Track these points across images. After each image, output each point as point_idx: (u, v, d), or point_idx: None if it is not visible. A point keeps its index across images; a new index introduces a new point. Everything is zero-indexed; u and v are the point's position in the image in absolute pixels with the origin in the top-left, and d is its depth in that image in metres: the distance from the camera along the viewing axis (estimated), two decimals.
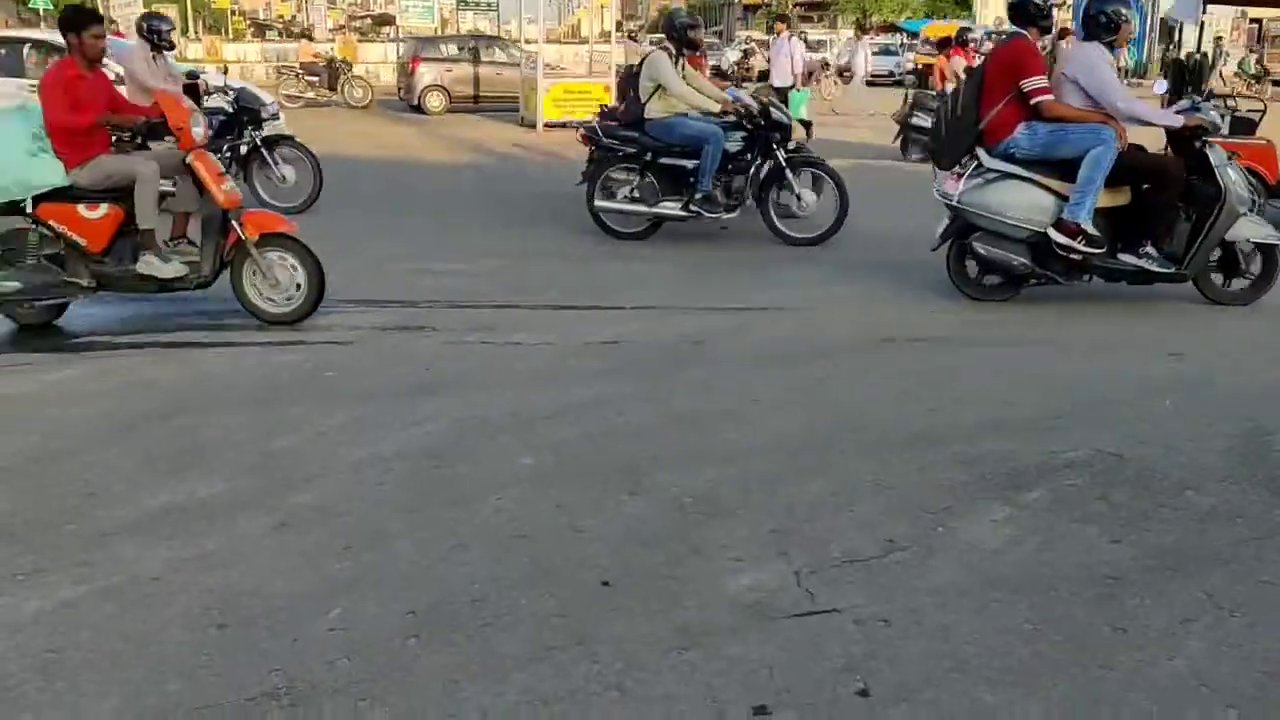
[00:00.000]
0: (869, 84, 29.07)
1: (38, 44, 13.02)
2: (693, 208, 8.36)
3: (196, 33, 48.44)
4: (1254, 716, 2.64)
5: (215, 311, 6.30)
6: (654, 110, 8.40)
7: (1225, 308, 6.68)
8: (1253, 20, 40.88)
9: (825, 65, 28.21)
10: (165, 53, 9.51)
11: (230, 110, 9.74)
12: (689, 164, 8.34)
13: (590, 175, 8.88)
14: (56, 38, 14.05)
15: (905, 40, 40.28)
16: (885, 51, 37.01)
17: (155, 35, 9.35)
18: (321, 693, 2.70)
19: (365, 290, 6.84)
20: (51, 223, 5.88)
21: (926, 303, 6.78)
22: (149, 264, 5.95)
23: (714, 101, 8.44)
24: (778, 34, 16.73)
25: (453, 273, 7.41)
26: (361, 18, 55.05)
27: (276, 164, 9.83)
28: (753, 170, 8.53)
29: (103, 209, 5.90)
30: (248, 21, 54.16)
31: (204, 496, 3.83)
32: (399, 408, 4.75)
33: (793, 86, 15.52)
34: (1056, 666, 2.84)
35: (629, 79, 9.09)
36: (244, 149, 9.80)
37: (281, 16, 55.84)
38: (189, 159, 5.99)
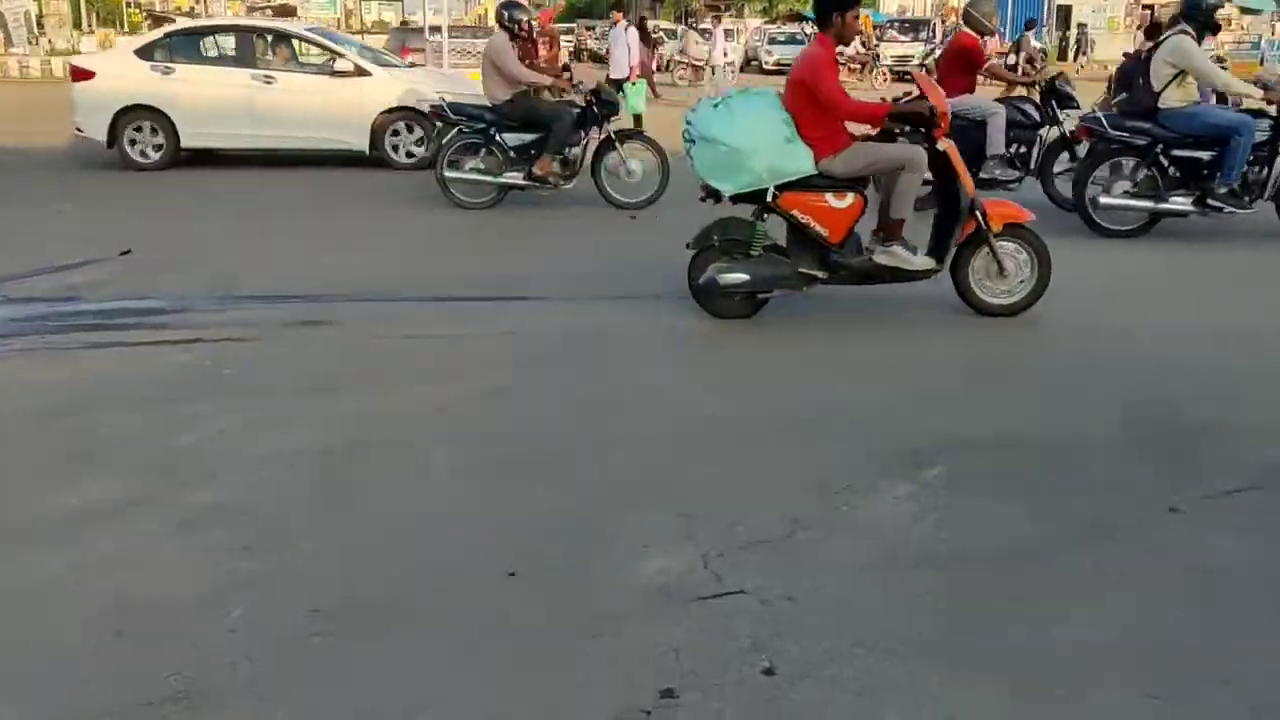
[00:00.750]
0: (765, 72, 29.31)
1: (263, 32, 12.83)
2: (1212, 202, 7.99)
3: (90, 25, 47.02)
4: (1145, 683, 2.72)
5: (107, 312, 6.12)
6: (1171, 99, 8.05)
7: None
8: (1145, 6, 42.09)
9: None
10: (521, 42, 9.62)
11: (582, 105, 9.53)
12: (1205, 155, 8.02)
13: (1080, 170, 8.51)
14: (285, 26, 13.79)
15: (810, 29, 40.72)
16: (792, 40, 37.36)
17: (515, 25, 9.43)
18: (223, 694, 2.65)
19: (264, 284, 6.71)
20: (794, 212, 5.75)
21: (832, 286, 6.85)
22: (894, 255, 5.80)
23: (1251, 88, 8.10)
24: (614, 23, 16.35)
25: (352, 265, 7.29)
26: (262, 8, 53.84)
27: (625, 160, 9.59)
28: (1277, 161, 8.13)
29: (849, 198, 5.73)
30: (144, 14, 52.63)
31: (100, 498, 3.73)
32: (300, 404, 4.67)
33: (628, 78, 15.26)
34: (956, 638, 2.91)
35: (1133, 66, 8.82)
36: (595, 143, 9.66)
37: (179, 8, 54.37)
38: (940, 145, 5.77)
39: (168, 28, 14.46)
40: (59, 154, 12.88)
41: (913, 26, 37.58)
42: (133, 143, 11.80)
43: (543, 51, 15.12)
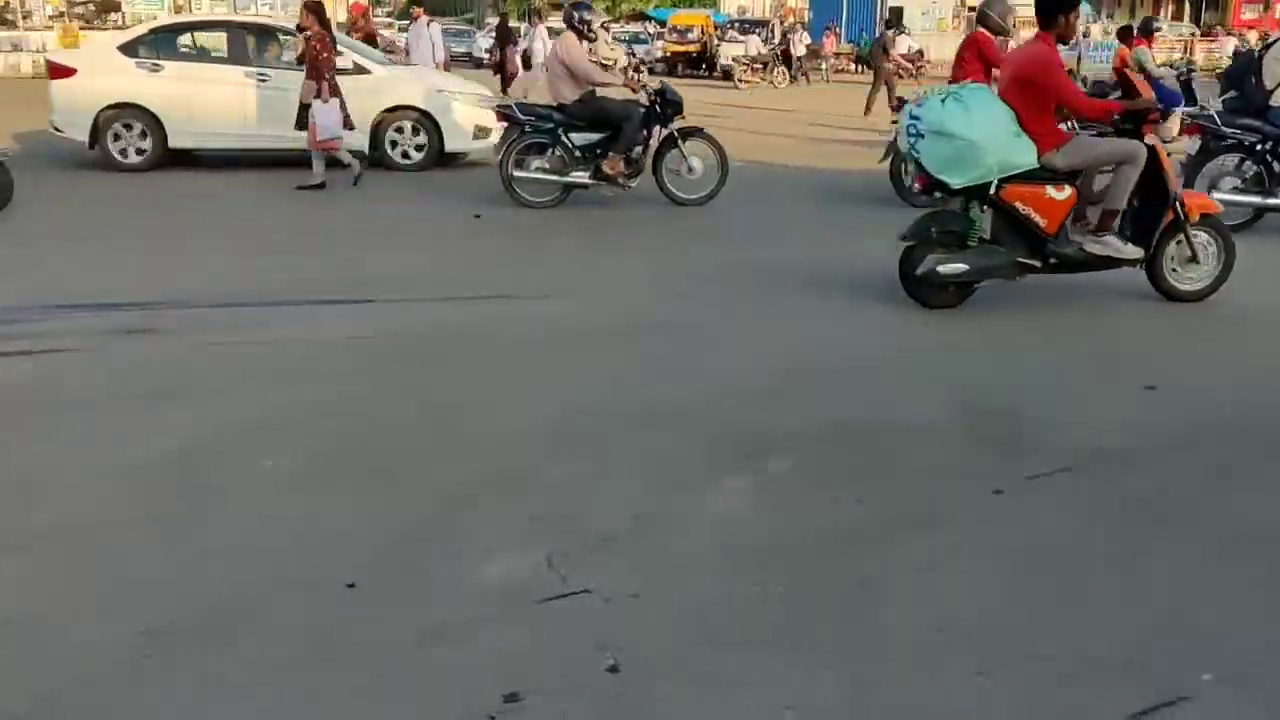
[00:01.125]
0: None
1: (255, 28, 12.34)
2: None
3: None
4: (980, 657, 2.83)
5: None
6: None
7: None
8: (970, 8, 43.80)
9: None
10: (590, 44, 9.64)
11: (646, 103, 9.50)
12: None
13: (1190, 166, 8.84)
14: (278, 22, 13.45)
15: (654, 29, 41.10)
16: (635, 40, 37.64)
17: (585, 26, 9.38)
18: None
19: (95, 292, 6.40)
20: (1017, 204, 5.97)
21: (679, 286, 6.93)
22: (1107, 244, 6.08)
23: None
24: (415, 19, 15.77)
25: (191, 271, 7.02)
26: (84, 2, 51.21)
27: (686, 157, 9.63)
28: None
29: (1066, 190, 5.99)
30: None
31: None
32: (133, 416, 4.46)
33: None
34: (802, 627, 2.97)
35: (1244, 65, 9.19)
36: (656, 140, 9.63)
37: None
38: (1149, 140, 6.06)
39: (153, 23, 13.71)
40: None
41: (752, 27, 38.29)
42: (117, 139, 11.29)
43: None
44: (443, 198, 9.87)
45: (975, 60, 9.65)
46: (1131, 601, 3.12)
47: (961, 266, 6.03)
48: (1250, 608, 3.09)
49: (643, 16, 50.22)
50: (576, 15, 9.49)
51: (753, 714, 2.59)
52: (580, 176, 9.46)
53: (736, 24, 39.20)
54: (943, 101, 5.94)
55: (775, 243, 8.28)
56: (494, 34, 24.00)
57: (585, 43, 9.58)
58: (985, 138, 5.86)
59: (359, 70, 11.59)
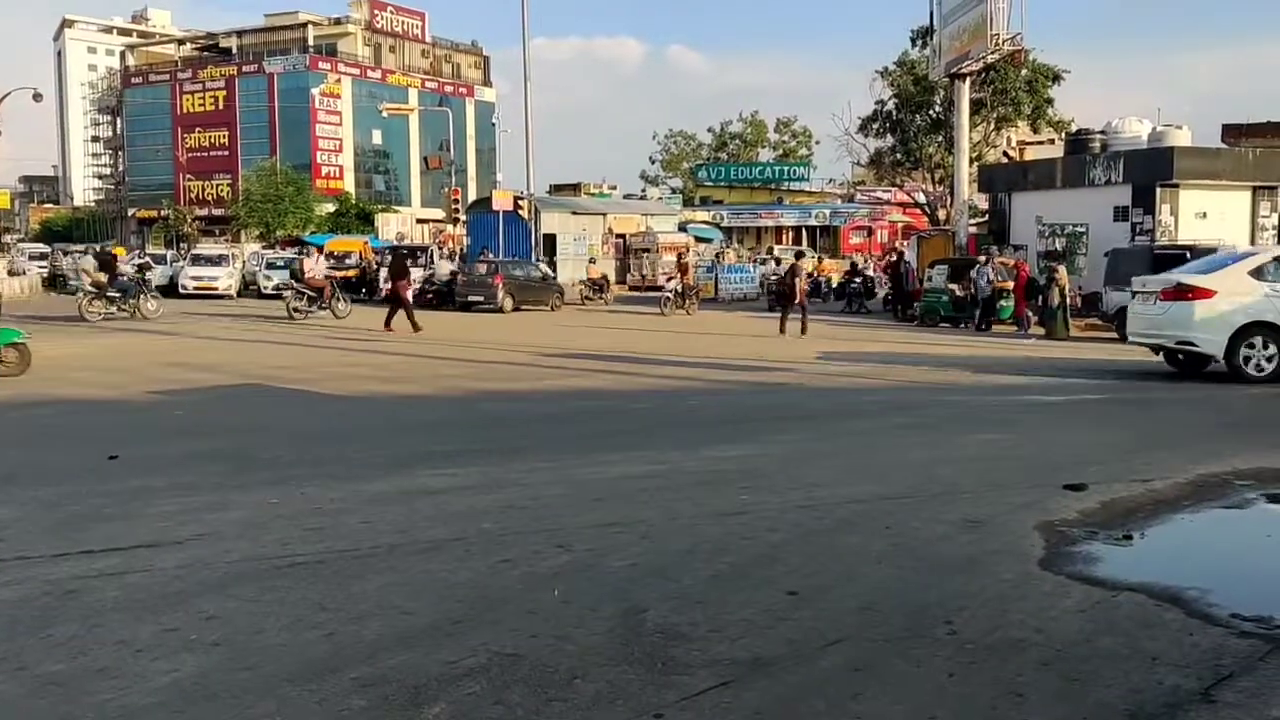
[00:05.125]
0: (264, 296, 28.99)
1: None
2: None
3: None
4: None
5: None
6: None
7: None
8: (618, 236, 46.88)
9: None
10: None
11: None
12: None
13: None
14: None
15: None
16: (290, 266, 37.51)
17: None
18: None
19: None
20: None
21: (324, 517, 6.68)
22: None
23: None
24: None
25: None
26: None
27: None
28: None
29: None
30: None
31: None
32: None
33: None
34: None
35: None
36: None
37: None
38: None
39: (1276, 250, 15.66)
40: None
41: (411, 253, 39.23)
42: (1246, 359, 13.58)
43: None
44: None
45: None
46: None
47: None
48: None
49: (298, 242, 50.08)
50: None
51: None
52: None
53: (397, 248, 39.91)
54: None
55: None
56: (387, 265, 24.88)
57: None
58: None
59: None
